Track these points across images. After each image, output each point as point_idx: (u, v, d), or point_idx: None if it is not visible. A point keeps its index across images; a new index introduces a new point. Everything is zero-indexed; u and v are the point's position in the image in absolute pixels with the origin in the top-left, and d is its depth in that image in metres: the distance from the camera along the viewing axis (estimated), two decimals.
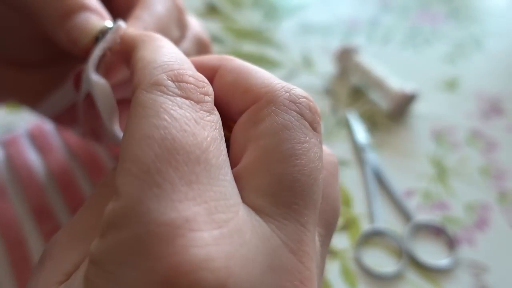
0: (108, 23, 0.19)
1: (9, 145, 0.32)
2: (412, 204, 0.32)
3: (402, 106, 0.36)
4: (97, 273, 0.12)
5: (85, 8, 0.19)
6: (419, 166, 0.34)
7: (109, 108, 0.18)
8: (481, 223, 0.31)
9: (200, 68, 0.17)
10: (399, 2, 0.49)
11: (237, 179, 0.14)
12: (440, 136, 0.36)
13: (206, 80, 0.16)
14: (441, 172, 0.34)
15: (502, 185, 0.33)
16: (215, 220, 0.12)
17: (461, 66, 0.42)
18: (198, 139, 0.13)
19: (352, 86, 0.40)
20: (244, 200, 0.14)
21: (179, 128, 0.13)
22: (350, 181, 0.33)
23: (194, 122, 0.14)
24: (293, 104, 0.15)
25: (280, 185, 0.14)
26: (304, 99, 0.16)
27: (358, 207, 0.31)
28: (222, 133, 0.15)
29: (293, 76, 0.40)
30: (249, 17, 0.46)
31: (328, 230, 0.16)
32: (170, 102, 0.14)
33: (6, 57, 0.24)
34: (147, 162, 0.13)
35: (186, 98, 0.14)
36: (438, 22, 0.47)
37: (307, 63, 0.41)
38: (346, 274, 0.28)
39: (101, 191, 0.16)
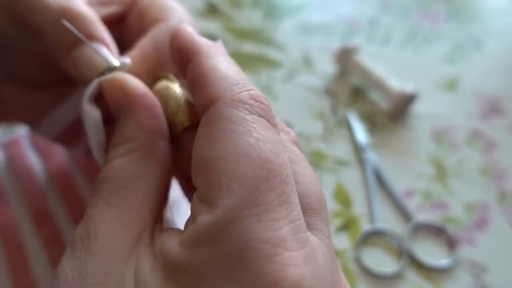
0: (115, 61, 0.19)
1: (10, 147, 0.32)
2: (412, 204, 0.32)
3: (402, 106, 0.36)
4: (192, 283, 0.13)
5: (93, 38, 0.19)
6: (419, 166, 0.34)
7: (97, 137, 0.18)
8: (481, 223, 0.31)
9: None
10: (399, 2, 0.49)
11: None
12: (440, 136, 0.36)
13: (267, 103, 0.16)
14: (441, 172, 0.34)
15: (502, 185, 0.33)
16: (300, 240, 0.13)
17: (461, 66, 0.42)
18: (283, 159, 0.14)
19: (352, 86, 0.40)
20: None
21: (271, 149, 0.14)
22: (350, 181, 0.33)
23: (279, 144, 0.14)
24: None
25: (321, 202, 0.15)
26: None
27: (358, 207, 0.31)
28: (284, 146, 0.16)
29: (293, 76, 0.40)
30: (249, 17, 0.46)
31: (322, 220, 0.16)
32: (258, 122, 0.14)
33: (11, 76, 0.25)
34: (248, 181, 0.13)
35: (266, 119, 0.15)
36: (438, 22, 0.47)
37: (307, 63, 0.41)
38: (346, 274, 0.28)
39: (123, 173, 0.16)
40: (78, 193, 0.29)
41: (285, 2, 0.48)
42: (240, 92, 0.15)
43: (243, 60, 0.41)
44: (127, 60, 0.19)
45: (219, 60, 0.17)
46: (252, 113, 0.15)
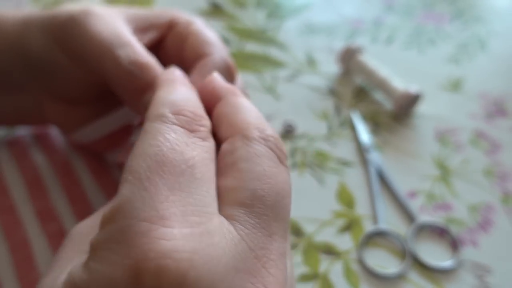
0: None
1: (14, 145, 0.32)
2: (415, 204, 0.32)
3: (406, 106, 0.36)
4: (91, 257, 0.15)
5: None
6: (423, 167, 0.34)
7: None
8: (485, 224, 0.31)
9: (208, 95, 0.21)
10: (403, 2, 0.49)
11: (218, 195, 0.17)
12: (444, 137, 0.36)
13: (204, 116, 0.19)
14: (445, 173, 0.34)
15: (506, 186, 0.33)
16: (188, 221, 0.15)
17: (465, 66, 0.42)
18: (185, 156, 0.16)
19: (356, 86, 0.40)
20: (221, 212, 0.16)
21: (169, 147, 0.16)
22: (353, 181, 0.33)
23: (184, 144, 0.17)
24: (263, 140, 0.18)
25: (253, 198, 0.16)
26: (272, 138, 0.19)
27: (361, 208, 0.31)
28: (214, 156, 0.18)
29: (297, 76, 0.40)
30: (253, 17, 0.46)
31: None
32: (167, 128, 0.17)
33: (54, 95, 0.28)
34: (140, 172, 0.15)
35: (182, 126, 0.17)
36: (442, 22, 0.47)
37: (310, 63, 0.41)
38: (348, 274, 0.28)
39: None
40: (82, 190, 0.30)
41: (289, 2, 0.48)
42: (163, 109, 0.18)
43: (246, 60, 0.41)
44: None
45: (166, 90, 0.20)
46: (165, 123, 0.17)
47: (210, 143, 0.18)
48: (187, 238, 0.14)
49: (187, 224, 0.14)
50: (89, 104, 0.28)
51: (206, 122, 0.19)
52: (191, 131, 0.18)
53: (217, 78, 0.22)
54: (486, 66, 0.42)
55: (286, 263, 0.16)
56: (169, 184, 0.15)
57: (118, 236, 0.14)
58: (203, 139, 0.18)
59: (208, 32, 0.27)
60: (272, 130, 0.19)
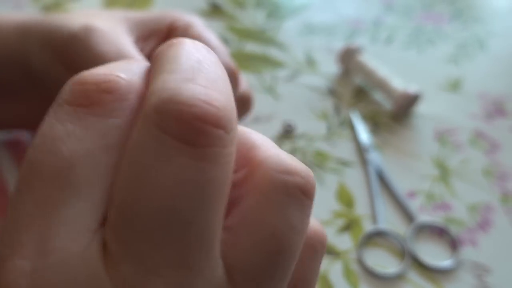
0: None
1: (13, 145, 0.32)
2: (415, 204, 0.32)
3: (406, 106, 0.36)
4: None
5: None
6: (422, 167, 0.34)
7: None
8: (484, 224, 0.31)
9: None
10: (402, 2, 0.49)
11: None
12: (443, 137, 0.36)
13: (118, 74, 0.13)
14: (444, 173, 0.34)
15: (505, 186, 0.33)
16: (44, 249, 0.11)
17: (465, 66, 0.42)
18: (61, 155, 0.12)
19: (355, 86, 0.40)
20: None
21: (42, 146, 0.12)
22: (353, 181, 0.33)
23: (63, 135, 0.12)
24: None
25: (120, 216, 0.12)
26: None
27: (361, 208, 0.31)
28: (119, 139, 0.12)
29: (296, 76, 0.40)
30: (253, 17, 0.46)
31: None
32: (52, 114, 0.12)
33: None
34: (17, 180, 0.12)
35: (72, 104, 0.12)
36: (441, 22, 0.47)
37: (310, 63, 0.41)
38: (348, 274, 0.28)
39: None
40: None
41: (288, 2, 0.48)
42: (67, 84, 0.13)
43: (246, 60, 0.41)
44: None
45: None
46: (58, 105, 0.13)
47: (118, 119, 0.13)
48: (33, 274, 0.11)
49: (42, 253, 0.11)
50: None
51: (120, 83, 0.13)
52: (86, 105, 0.12)
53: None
54: (486, 66, 0.42)
55: None
56: (35, 198, 0.12)
57: None
58: (104, 115, 0.12)
59: (208, 35, 0.27)
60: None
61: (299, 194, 0.13)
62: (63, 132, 0.12)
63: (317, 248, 0.15)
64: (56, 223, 0.12)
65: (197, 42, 0.14)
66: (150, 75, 0.14)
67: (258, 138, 0.14)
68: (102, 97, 0.12)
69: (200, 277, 0.12)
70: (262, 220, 0.12)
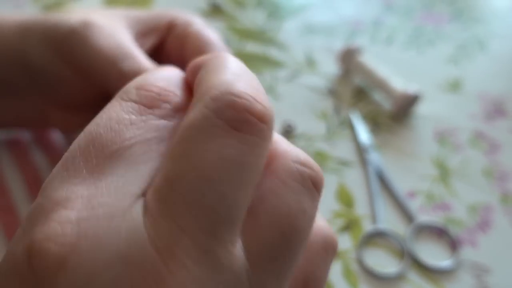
0: None
1: (14, 145, 0.32)
2: (414, 205, 0.32)
3: (405, 107, 0.36)
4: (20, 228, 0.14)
5: None
6: (422, 167, 0.34)
7: None
8: (484, 225, 0.31)
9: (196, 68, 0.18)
10: (402, 2, 0.49)
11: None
12: (443, 137, 0.36)
13: (176, 92, 0.16)
14: (444, 173, 0.34)
15: (505, 186, 0.33)
16: (91, 203, 0.13)
17: (465, 67, 0.42)
18: (122, 137, 0.14)
19: (355, 86, 0.40)
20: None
21: (106, 125, 0.15)
22: (353, 181, 0.33)
23: (128, 122, 0.15)
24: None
25: (164, 180, 0.14)
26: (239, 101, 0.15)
27: (360, 208, 0.31)
28: (170, 136, 0.15)
29: (296, 76, 0.40)
30: (253, 17, 0.46)
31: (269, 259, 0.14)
32: (117, 104, 0.15)
33: (58, 104, 0.28)
34: (71, 150, 0.15)
35: (138, 103, 0.15)
36: (441, 23, 0.47)
37: (310, 63, 0.41)
38: (347, 274, 0.28)
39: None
40: None
41: (288, 2, 0.48)
42: (129, 85, 0.16)
43: (246, 60, 0.41)
44: None
45: (148, 72, 0.18)
46: (122, 100, 0.16)
47: (170, 122, 0.16)
48: (80, 222, 0.13)
49: (89, 206, 0.13)
50: (91, 109, 0.28)
51: (175, 98, 0.16)
52: (150, 107, 0.16)
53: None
54: (486, 67, 0.42)
55: (213, 267, 0.13)
56: (90, 166, 0.14)
57: (32, 212, 0.14)
58: (161, 117, 0.16)
59: (208, 32, 0.27)
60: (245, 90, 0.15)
61: (311, 185, 0.16)
62: (128, 120, 0.15)
63: (329, 251, 0.17)
64: (105, 185, 0.14)
65: (234, 57, 0.17)
66: (186, 82, 0.17)
67: (278, 136, 0.17)
68: (163, 105, 0.16)
69: (223, 247, 0.13)
70: (279, 201, 0.14)
